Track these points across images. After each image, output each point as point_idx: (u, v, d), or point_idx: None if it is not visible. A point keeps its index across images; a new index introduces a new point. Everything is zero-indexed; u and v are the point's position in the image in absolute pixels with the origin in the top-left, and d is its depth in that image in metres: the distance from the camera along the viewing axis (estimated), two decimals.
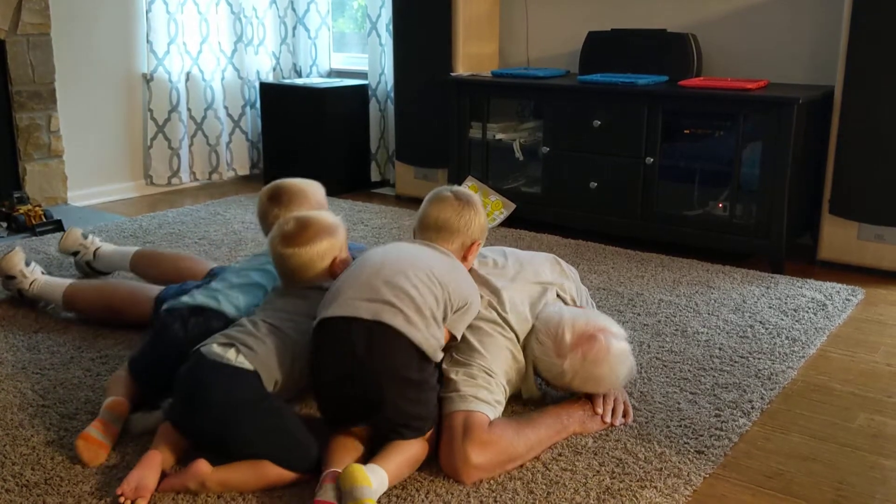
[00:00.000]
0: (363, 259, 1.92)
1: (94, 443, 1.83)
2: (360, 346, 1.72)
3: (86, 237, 2.98)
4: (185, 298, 2.14)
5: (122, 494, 1.65)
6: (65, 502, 1.68)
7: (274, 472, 1.74)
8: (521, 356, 1.99)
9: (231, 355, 1.80)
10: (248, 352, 1.81)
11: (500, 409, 1.90)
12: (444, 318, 1.85)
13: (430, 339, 1.78)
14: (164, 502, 1.68)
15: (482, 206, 2.06)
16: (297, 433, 1.78)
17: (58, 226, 3.65)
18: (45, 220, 3.66)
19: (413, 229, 2.08)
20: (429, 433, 1.80)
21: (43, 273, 2.74)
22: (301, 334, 1.87)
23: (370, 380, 1.73)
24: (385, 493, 1.71)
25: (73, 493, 1.71)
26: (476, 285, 1.99)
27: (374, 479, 1.64)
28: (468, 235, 1.99)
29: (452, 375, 1.87)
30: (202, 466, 1.70)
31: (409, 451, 1.76)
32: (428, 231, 2.00)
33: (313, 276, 1.98)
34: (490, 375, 1.89)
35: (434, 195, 2.05)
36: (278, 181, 2.31)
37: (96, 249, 2.94)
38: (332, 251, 1.99)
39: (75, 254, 2.97)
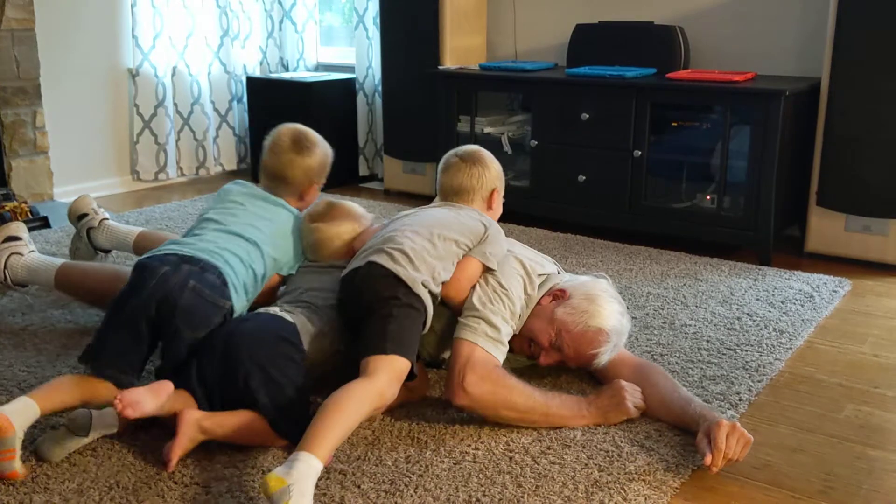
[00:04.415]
0: (385, 226, 2.17)
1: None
2: (357, 282, 1.97)
3: (98, 207, 2.97)
4: (173, 247, 2.04)
5: (119, 400, 1.69)
6: (52, 500, 1.67)
7: (261, 429, 1.80)
8: (531, 290, 2.11)
9: (273, 309, 2.00)
10: (287, 313, 1.98)
11: (505, 349, 2.00)
12: (448, 258, 2.02)
13: (412, 274, 1.94)
14: (174, 492, 1.68)
15: (489, 158, 2.26)
16: (303, 398, 1.86)
17: (44, 222, 3.62)
18: (31, 216, 3.63)
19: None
20: (386, 380, 1.80)
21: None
22: (326, 306, 2.04)
23: (365, 296, 1.94)
24: (374, 487, 1.71)
25: (60, 491, 1.70)
26: (494, 220, 2.18)
27: (290, 474, 1.53)
28: (485, 188, 2.23)
29: (472, 297, 2.03)
30: (190, 413, 1.76)
31: (350, 397, 1.72)
32: (448, 196, 2.25)
33: (332, 252, 2.21)
34: (504, 297, 2.02)
35: (444, 164, 2.27)
36: (298, 128, 2.36)
37: (103, 219, 2.92)
38: (352, 233, 2.22)
39: (81, 218, 2.92)
